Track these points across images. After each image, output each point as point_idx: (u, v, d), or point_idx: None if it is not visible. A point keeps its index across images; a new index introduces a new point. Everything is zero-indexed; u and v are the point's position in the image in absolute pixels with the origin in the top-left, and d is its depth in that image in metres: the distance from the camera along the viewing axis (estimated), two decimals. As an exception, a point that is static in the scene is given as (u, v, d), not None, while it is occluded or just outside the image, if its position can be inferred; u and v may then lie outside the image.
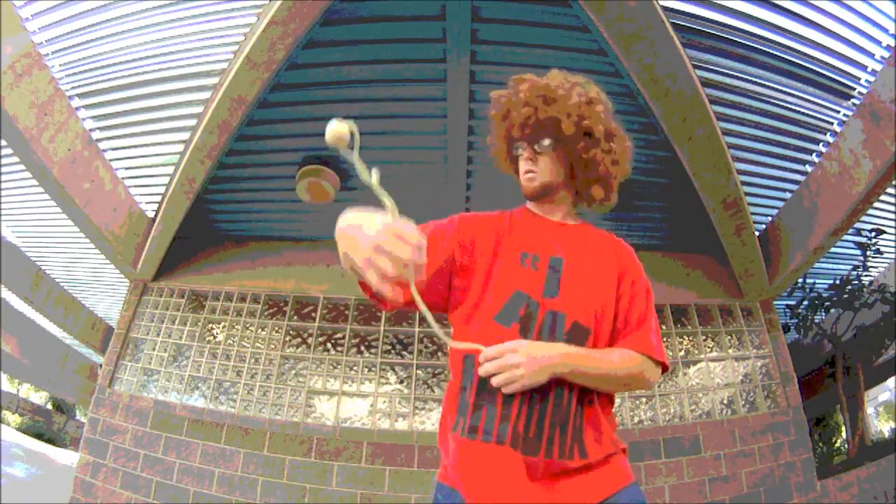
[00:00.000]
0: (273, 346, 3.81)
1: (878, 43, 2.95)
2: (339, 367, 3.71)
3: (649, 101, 2.84)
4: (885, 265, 4.76)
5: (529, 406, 0.90)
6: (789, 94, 3.21)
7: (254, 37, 2.66)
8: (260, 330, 3.90)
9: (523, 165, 1.08)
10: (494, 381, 0.89)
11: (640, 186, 3.53)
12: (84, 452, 3.58)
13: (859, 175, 3.00)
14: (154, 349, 3.90)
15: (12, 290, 4.95)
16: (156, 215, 3.79)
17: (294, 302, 3.98)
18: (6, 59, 2.58)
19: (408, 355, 3.72)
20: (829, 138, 3.41)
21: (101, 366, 4.11)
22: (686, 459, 3.36)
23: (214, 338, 3.94)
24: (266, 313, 3.97)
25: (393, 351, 3.73)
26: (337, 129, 0.80)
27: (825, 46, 2.98)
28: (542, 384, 0.90)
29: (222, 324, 3.97)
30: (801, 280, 4.33)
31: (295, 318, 3.93)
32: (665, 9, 2.57)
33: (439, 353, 3.73)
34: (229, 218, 4.17)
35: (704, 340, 3.87)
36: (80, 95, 3.25)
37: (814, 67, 3.08)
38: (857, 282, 4.23)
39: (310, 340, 3.83)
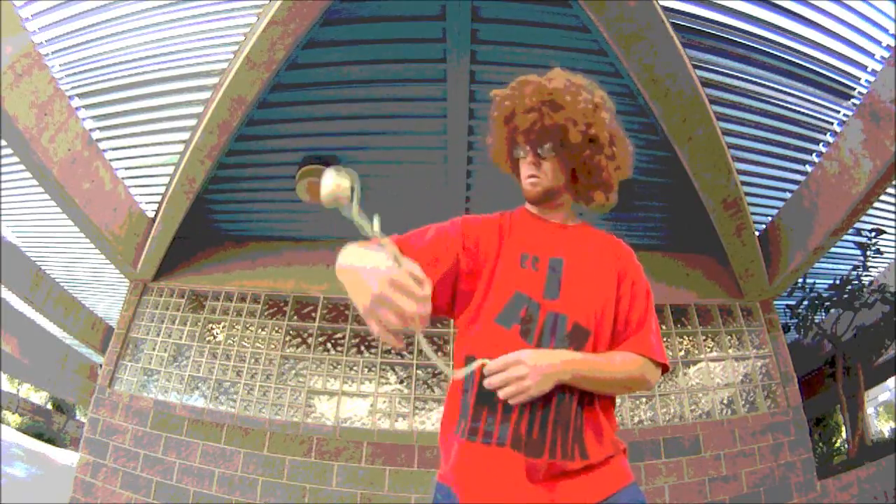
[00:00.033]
0: (273, 346, 3.81)
1: (878, 43, 2.95)
2: (339, 367, 3.71)
3: (649, 101, 2.84)
4: (885, 265, 4.76)
5: (531, 408, 0.91)
6: (789, 94, 3.21)
7: (254, 37, 2.66)
8: (260, 330, 3.90)
9: (526, 169, 1.07)
10: (502, 394, 0.89)
11: (640, 186, 3.53)
12: (84, 452, 3.58)
13: (859, 175, 3.00)
14: (154, 349, 3.90)
15: (12, 290, 4.95)
16: (156, 215, 3.79)
17: (294, 302, 3.98)
18: (6, 59, 2.58)
19: (408, 355, 3.72)
20: (829, 138, 3.41)
21: (101, 366, 4.11)
22: (686, 459, 3.36)
23: (214, 338, 3.94)
24: (266, 313, 3.97)
25: (393, 351, 3.73)
26: (334, 190, 0.73)
27: (825, 46, 2.98)
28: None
29: (222, 324, 3.97)
30: (801, 280, 4.33)
31: (295, 318, 3.93)
32: (665, 9, 2.57)
33: (439, 353, 3.73)
34: (229, 218, 4.17)
35: (704, 340, 3.87)
36: (80, 95, 3.25)
37: (814, 67, 3.08)
38: (857, 282, 4.23)
39: (310, 340, 3.83)
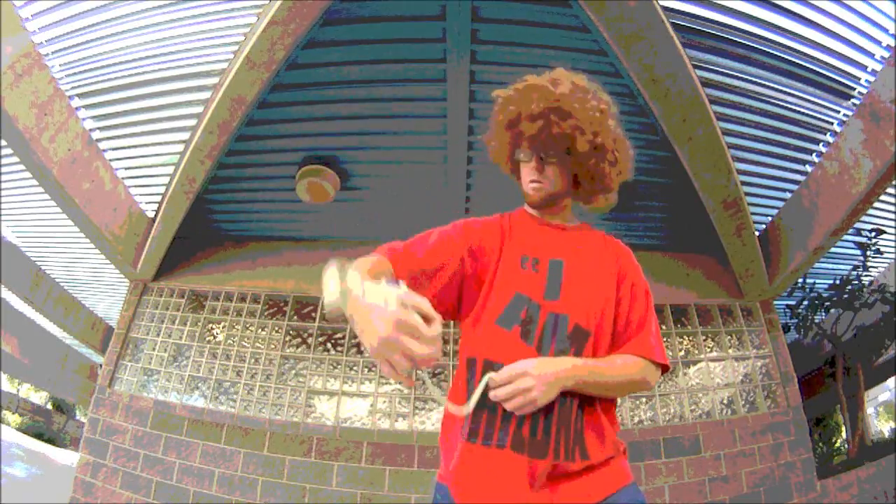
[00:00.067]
0: (273, 346, 3.81)
1: (878, 43, 2.95)
2: (339, 367, 3.71)
3: (649, 101, 2.84)
4: (885, 265, 4.76)
5: (533, 411, 0.91)
6: (789, 94, 3.21)
7: (254, 37, 2.66)
8: (260, 330, 3.90)
9: (529, 174, 1.06)
10: (509, 406, 0.89)
11: (640, 186, 3.53)
12: (84, 452, 3.57)
13: (859, 175, 3.00)
14: (154, 349, 3.90)
15: (12, 290, 4.95)
16: (156, 215, 3.79)
17: (294, 302, 3.98)
18: (6, 59, 2.58)
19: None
20: (829, 138, 3.41)
21: (101, 366, 4.11)
22: (686, 459, 3.36)
23: (214, 338, 3.94)
24: (266, 313, 3.97)
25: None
26: (337, 300, 0.70)
27: (825, 46, 2.98)
28: None
29: (222, 324, 3.97)
30: (801, 280, 4.33)
31: (295, 318, 3.93)
32: (665, 9, 2.57)
33: (439, 360, 3.72)
34: (229, 218, 4.17)
35: (704, 340, 3.87)
36: (80, 95, 3.25)
37: (814, 67, 3.08)
38: (857, 282, 4.23)
39: (310, 340, 3.83)
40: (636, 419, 3.56)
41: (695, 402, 3.63)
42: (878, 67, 2.99)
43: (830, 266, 4.82)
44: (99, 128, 3.47)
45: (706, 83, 2.97)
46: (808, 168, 3.57)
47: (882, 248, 4.17)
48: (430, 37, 2.76)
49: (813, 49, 2.99)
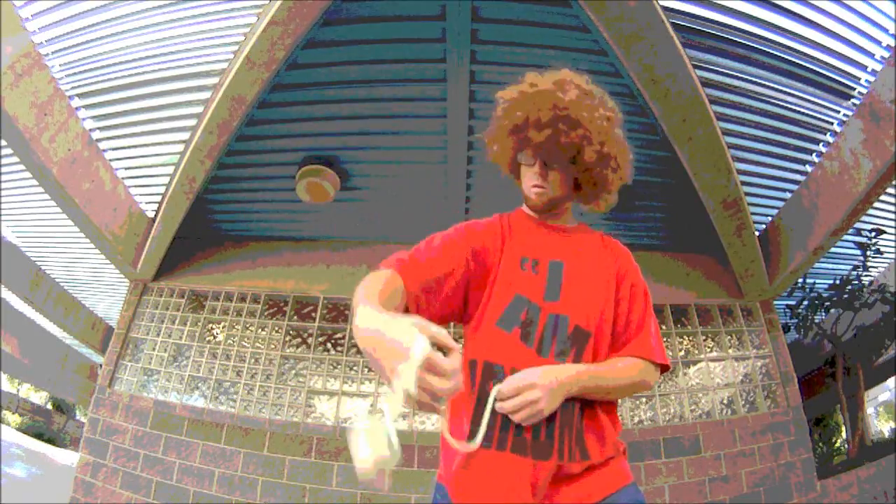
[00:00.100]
0: (273, 346, 3.81)
1: (878, 43, 2.95)
2: (339, 367, 3.71)
3: (649, 101, 2.84)
4: (885, 265, 4.76)
5: None
6: (789, 94, 3.21)
7: (254, 37, 2.66)
8: (260, 330, 3.90)
9: (531, 178, 1.05)
10: (516, 418, 0.89)
11: (640, 186, 3.52)
12: (84, 452, 3.57)
13: (859, 175, 3.00)
14: (154, 349, 3.90)
15: (12, 290, 4.95)
16: (156, 215, 3.79)
17: (294, 302, 3.98)
18: (6, 59, 2.58)
19: (408, 355, 3.71)
20: (829, 138, 3.41)
21: (101, 366, 4.11)
22: (686, 459, 3.36)
23: (214, 338, 3.94)
24: (266, 313, 3.97)
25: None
26: (373, 468, 0.61)
27: (825, 46, 2.98)
28: None
29: (222, 324, 3.97)
30: (801, 280, 4.33)
31: (295, 318, 3.93)
32: (665, 9, 2.57)
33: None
34: (229, 218, 4.17)
35: (704, 340, 3.86)
36: (80, 95, 3.25)
37: (814, 67, 3.08)
38: (857, 282, 4.23)
39: (310, 340, 3.83)
40: (636, 419, 3.56)
41: (695, 402, 3.63)
42: (878, 67, 2.99)
43: (830, 266, 4.82)
44: (99, 128, 3.47)
45: (706, 83, 2.97)
46: (808, 168, 3.57)
47: (882, 248, 4.17)
48: (430, 37, 2.76)
49: (813, 49, 2.99)
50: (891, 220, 4.20)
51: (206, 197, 3.82)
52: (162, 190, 3.82)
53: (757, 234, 3.72)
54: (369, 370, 3.68)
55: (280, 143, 3.43)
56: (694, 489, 3.28)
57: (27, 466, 6.00)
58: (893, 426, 11.27)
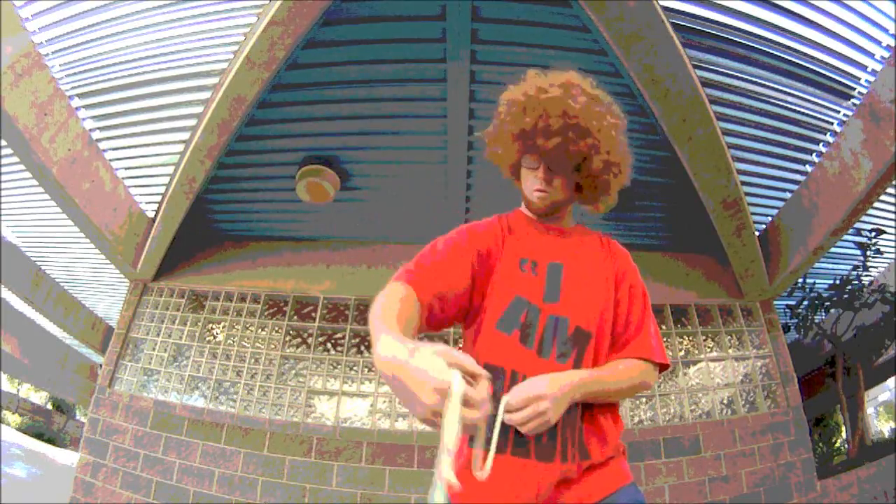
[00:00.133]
0: (273, 346, 3.81)
1: (878, 43, 2.95)
2: (339, 367, 3.71)
3: (649, 101, 2.84)
4: (885, 265, 4.76)
5: None
6: (789, 94, 3.21)
7: (254, 37, 2.66)
8: (260, 330, 3.90)
9: (534, 182, 1.05)
10: (525, 430, 0.88)
11: (640, 186, 3.53)
12: (84, 452, 3.57)
13: (859, 175, 3.00)
14: (154, 349, 3.90)
15: (12, 290, 4.95)
16: (156, 215, 3.80)
17: (294, 302, 3.98)
18: (6, 59, 2.58)
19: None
20: (829, 138, 3.41)
21: (101, 366, 4.11)
22: (686, 459, 3.36)
23: (214, 338, 3.94)
24: (266, 313, 3.97)
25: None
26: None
27: (825, 46, 2.98)
28: None
29: (222, 324, 3.97)
30: (801, 280, 4.33)
31: (295, 318, 3.93)
32: (665, 9, 2.57)
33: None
34: (229, 218, 4.18)
35: (704, 340, 3.86)
36: (80, 95, 3.25)
37: (814, 67, 3.08)
38: (857, 282, 4.23)
39: (310, 340, 3.83)
40: (636, 419, 3.56)
41: (695, 402, 3.63)
42: (878, 67, 2.99)
43: (830, 266, 4.82)
44: (99, 128, 3.47)
45: (706, 83, 2.97)
46: (808, 168, 3.57)
47: (882, 248, 4.17)
48: (430, 37, 2.76)
49: (813, 49, 2.99)
50: (891, 220, 4.20)
51: (206, 197, 3.82)
52: (162, 190, 3.82)
53: (757, 234, 3.72)
54: (369, 370, 3.68)
55: (280, 143, 3.43)
56: (694, 489, 3.28)
57: (27, 466, 6.00)
58: (893, 426, 11.27)
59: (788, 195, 3.71)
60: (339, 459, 3.34)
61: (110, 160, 3.59)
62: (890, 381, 8.02)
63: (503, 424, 0.90)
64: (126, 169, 3.74)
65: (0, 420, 10.84)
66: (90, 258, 5.14)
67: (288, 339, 3.85)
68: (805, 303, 4.44)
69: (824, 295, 4.36)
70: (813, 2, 2.75)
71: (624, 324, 1.03)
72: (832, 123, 3.37)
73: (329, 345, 3.81)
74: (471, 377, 0.67)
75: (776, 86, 3.16)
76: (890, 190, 3.63)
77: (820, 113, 3.33)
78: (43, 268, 5.33)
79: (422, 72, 2.97)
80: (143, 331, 4.00)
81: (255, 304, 4.00)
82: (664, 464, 3.34)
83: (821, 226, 3.33)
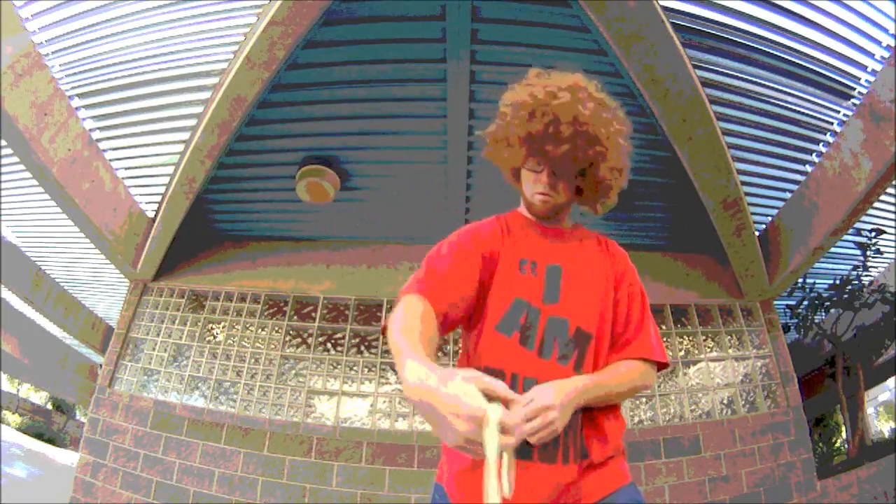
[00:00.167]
0: (273, 346, 3.81)
1: (878, 43, 2.95)
2: (339, 367, 3.71)
3: (649, 101, 2.84)
4: (885, 265, 4.76)
5: None
6: (789, 94, 3.21)
7: (254, 37, 2.66)
8: (260, 330, 3.90)
9: (537, 186, 1.04)
10: (534, 440, 0.87)
11: (640, 186, 3.53)
12: (84, 452, 3.57)
13: (859, 175, 3.00)
14: (154, 349, 3.90)
15: (12, 290, 4.95)
16: (156, 215, 3.80)
17: (294, 302, 3.98)
18: (6, 59, 2.58)
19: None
20: (829, 138, 3.41)
21: (101, 366, 4.11)
22: (686, 459, 3.36)
23: (214, 338, 3.94)
24: (266, 313, 3.97)
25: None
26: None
27: (825, 46, 2.98)
28: None
29: (222, 324, 3.97)
30: (801, 280, 4.33)
31: (295, 318, 3.93)
32: (665, 9, 2.57)
33: (439, 353, 3.73)
34: (229, 218, 4.18)
35: (704, 340, 3.86)
36: (80, 95, 3.25)
37: (814, 67, 3.08)
38: (857, 282, 4.23)
39: (310, 340, 3.83)
40: (636, 419, 3.56)
41: (695, 402, 3.63)
42: (878, 67, 2.99)
43: (830, 266, 4.82)
44: (99, 128, 3.47)
45: (706, 83, 2.97)
46: (808, 168, 3.57)
47: (882, 248, 4.17)
48: (430, 37, 2.76)
49: (813, 49, 2.99)
50: (891, 220, 4.20)
51: (206, 197, 3.82)
52: (162, 190, 3.82)
53: (757, 234, 3.72)
54: (369, 370, 3.69)
55: (280, 143, 3.43)
56: (694, 489, 3.28)
57: (27, 466, 6.00)
58: (893, 426, 11.27)
59: (788, 195, 3.71)
60: (339, 459, 3.34)
61: (110, 160, 3.59)
62: (890, 381, 8.02)
63: None
64: (126, 169, 3.75)
65: (0, 420, 10.84)
66: (90, 258, 5.14)
67: (288, 339, 3.85)
68: (805, 303, 4.44)
69: (824, 295, 4.36)
70: (813, 2, 2.75)
71: (624, 324, 1.03)
72: (832, 123, 3.37)
73: (329, 345, 3.81)
74: (503, 402, 0.67)
75: (776, 86, 3.16)
76: (890, 190, 3.63)
77: (820, 113, 3.33)
78: (43, 268, 5.33)
79: (422, 72, 2.97)
80: (143, 331, 4.00)
81: (255, 304, 4.00)
82: (664, 464, 3.34)
83: (821, 226, 3.33)
